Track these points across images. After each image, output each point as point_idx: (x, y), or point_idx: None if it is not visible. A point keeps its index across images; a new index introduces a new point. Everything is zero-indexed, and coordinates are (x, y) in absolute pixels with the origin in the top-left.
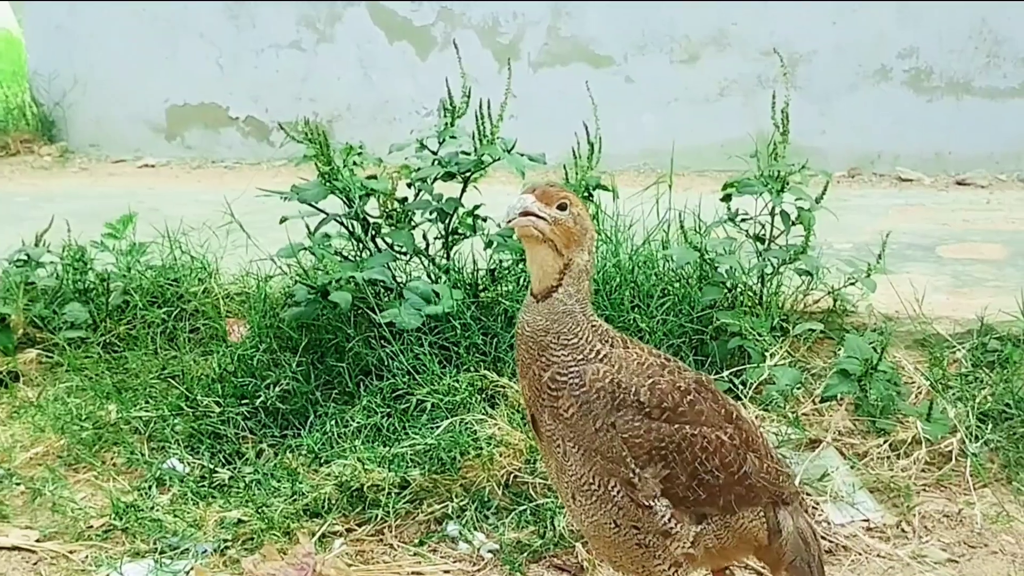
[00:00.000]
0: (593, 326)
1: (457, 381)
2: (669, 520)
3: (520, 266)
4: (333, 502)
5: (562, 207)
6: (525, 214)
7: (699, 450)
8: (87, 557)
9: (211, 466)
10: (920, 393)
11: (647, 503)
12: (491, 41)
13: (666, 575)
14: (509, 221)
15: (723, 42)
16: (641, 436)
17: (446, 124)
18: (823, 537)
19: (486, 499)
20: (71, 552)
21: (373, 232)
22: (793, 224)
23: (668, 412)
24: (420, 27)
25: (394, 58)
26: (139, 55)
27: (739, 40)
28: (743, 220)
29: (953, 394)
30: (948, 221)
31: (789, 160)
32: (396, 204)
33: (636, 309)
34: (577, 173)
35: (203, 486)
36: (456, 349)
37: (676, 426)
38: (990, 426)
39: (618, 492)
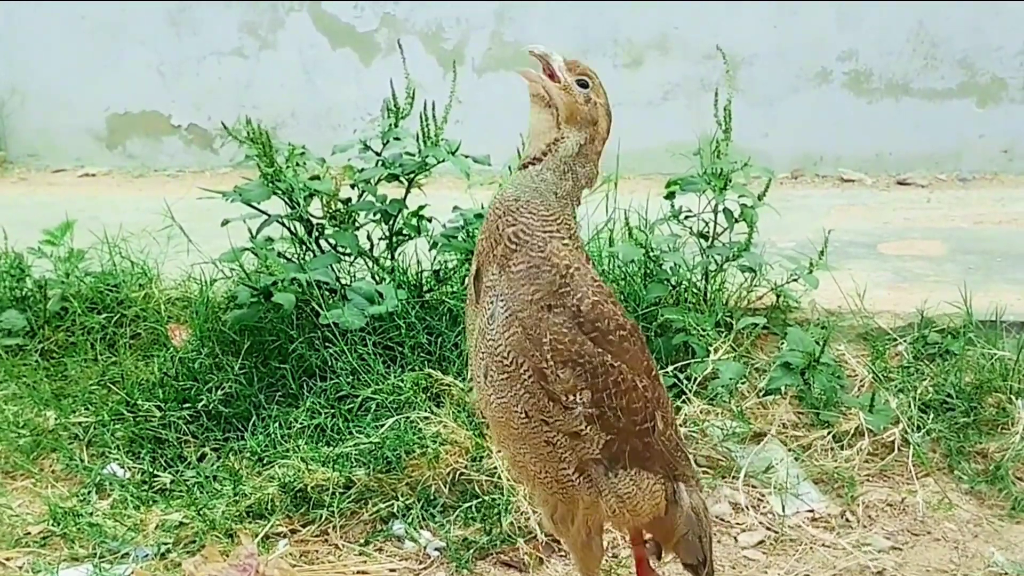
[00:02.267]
0: (568, 224)
1: (402, 380)
2: (582, 422)
3: (464, 267)
4: (276, 503)
5: (583, 84)
6: (547, 70)
7: (612, 383)
8: (24, 564)
9: (152, 470)
10: (863, 385)
11: (563, 397)
12: (435, 47)
13: (570, 480)
14: (527, 72)
15: (666, 46)
16: (564, 344)
17: (390, 125)
18: (768, 528)
19: (432, 497)
20: (7, 559)
21: (317, 233)
22: (736, 221)
23: (598, 334)
24: (363, 33)
25: (337, 64)
26: (79, 63)
27: (681, 44)
28: (687, 217)
29: (895, 386)
30: (889, 219)
31: (732, 160)
32: (340, 205)
33: None
34: None
35: (144, 490)
36: (401, 349)
37: (600, 350)
38: (931, 416)
39: (529, 377)
